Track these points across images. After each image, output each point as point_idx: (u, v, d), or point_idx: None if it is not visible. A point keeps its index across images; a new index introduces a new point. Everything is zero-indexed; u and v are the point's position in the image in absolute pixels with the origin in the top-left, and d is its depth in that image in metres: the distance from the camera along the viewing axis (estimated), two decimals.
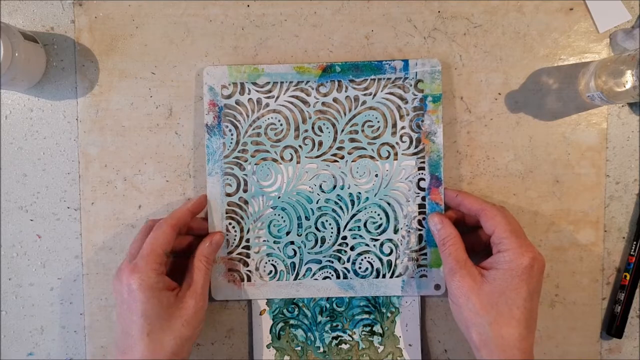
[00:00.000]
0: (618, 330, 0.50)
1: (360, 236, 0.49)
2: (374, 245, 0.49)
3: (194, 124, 0.50)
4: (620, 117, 0.50)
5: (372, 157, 0.49)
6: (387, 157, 0.49)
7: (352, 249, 0.49)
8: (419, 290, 0.49)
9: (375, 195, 0.49)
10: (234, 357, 0.51)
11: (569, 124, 0.49)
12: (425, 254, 0.49)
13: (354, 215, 0.49)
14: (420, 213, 0.49)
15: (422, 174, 0.48)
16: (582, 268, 0.50)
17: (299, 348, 0.50)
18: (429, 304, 0.51)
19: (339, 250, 0.49)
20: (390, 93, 0.48)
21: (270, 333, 0.50)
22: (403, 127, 0.49)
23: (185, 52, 0.49)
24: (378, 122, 0.48)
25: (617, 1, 0.49)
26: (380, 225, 0.49)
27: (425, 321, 0.51)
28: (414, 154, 0.49)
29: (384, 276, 0.49)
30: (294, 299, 0.50)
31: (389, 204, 0.49)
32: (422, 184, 0.49)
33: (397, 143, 0.49)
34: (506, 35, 0.49)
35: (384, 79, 0.48)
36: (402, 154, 0.49)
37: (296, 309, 0.50)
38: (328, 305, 0.50)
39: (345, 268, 0.49)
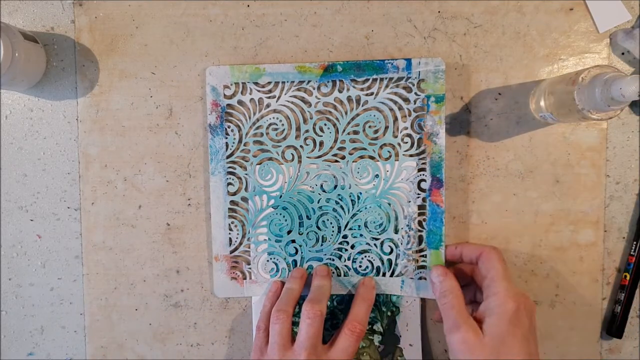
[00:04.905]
0: (618, 330, 0.50)
1: (361, 235, 0.49)
2: (375, 244, 0.49)
3: (194, 124, 0.50)
4: (620, 117, 0.50)
5: (372, 158, 0.49)
6: (388, 158, 0.49)
7: (352, 247, 0.49)
8: (417, 292, 0.49)
9: (376, 196, 0.49)
10: (234, 357, 0.51)
11: (569, 124, 0.49)
12: (424, 256, 0.49)
13: (354, 215, 0.49)
14: (420, 214, 0.49)
15: (423, 175, 0.48)
16: (582, 268, 0.50)
17: None
18: (429, 304, 0.51)
19: (339, 249, 0.49)
20: (393, 93, 0.48)
21: None
22: (405, 128, 0.48)
23: (185, 52, 0.49)
24: (379, 122, 0.48)
25: (617, 1, 0.49)
26: (380, 225, 0.49)
27: (426, 321, 0.51)
28: (415, 154, 0.49)
29: (384, 274, 0.49)
30: None
31: (389, 204, 0.49)
32: (423, 185, 0.48)
33: (398, 144, 0.48)
34: (506, 35, 0.49)
35: (386, 78, 0.48)
36: (403, 154, 0.49)
37: (297, 307, 0.50)
38: (329, 304, 0.50)
39: (346, 266, 0.49)
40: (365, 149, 0.49)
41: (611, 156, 0.50)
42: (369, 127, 0.49)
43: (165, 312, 0.51)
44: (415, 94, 0.48)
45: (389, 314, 0.50)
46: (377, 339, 0.50)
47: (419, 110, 0.48)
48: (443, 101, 0.47)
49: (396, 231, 0.49)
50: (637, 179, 0.50)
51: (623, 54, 0.49)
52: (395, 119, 0.48)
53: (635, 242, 0.50)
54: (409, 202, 0.49)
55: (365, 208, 0.49)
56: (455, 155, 0.50)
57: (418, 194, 0.49)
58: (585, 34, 0.49)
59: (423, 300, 0.50)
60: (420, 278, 0.49)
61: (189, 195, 0.50)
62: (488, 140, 0.50)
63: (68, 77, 0.50)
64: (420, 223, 0.49)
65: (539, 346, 0.49)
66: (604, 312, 0.51)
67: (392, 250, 0.49)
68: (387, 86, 0.48)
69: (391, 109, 0.48)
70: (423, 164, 0.48)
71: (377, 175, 0.49)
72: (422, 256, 0.49)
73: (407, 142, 0.48)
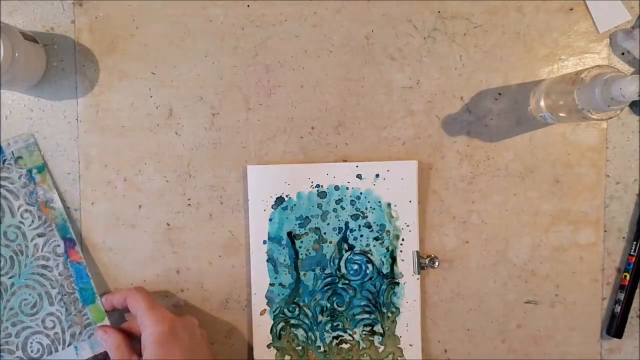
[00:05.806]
0: (618, 330, 0.50)
1: (18, 322, 0.48)
2: (36, 325, 0.48)
3: (194, 124, 0.50)
4: (620, 117, 0.50)
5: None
6: (15, 239, 0.48)
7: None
8: (92, 349, 0.48)
9: (19, 279, 0.48)
10: (234, 357, 0.51)
11: (569, 124, 0.49)
12: (86, 314, 0.48)
13: None
14: (67, 277, 0.48)
15: (55, 241, 0.48)
16: (582, 268, 0.50)
17: (300, 348, 0.50)
18: (429, 304, 0.51)
19: None
20: None
21: (270, 333, 0.50)
22: (20, 206, 0.49)
23: (185, 52, 0.49)
24: None
25: (617, 1, 0.49)
26: (34, 305, 0.48)
27: (426, 321, 0.51)
28: (40, 225, 0.49)
29: (56, 350, 0.48)
30: (295, 298, 0.50)
31: (39, 283, 0.48)
32: (59, 250, 0.48)
33: (20, 222, 0.48)
34: (506, 35, 0.49)
35: None
36: (29, 231, 0.48)
37: (297, 309, 0.50)
38: (329, 305, 0.50)
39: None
40: None
41: (611, 156, 0.50)
42: None
43: None
44: (17, 172, 0.49)
45: (389, 315, 0.50)
46: (377, 339, 0.50)
47: (27, 186, 0.49)
48: (45, 170, 0.49)
49: (51, 304, 0.48)
50: (637, 179, 0.50)
51: (623, 54, 0.49)
52: (8, 200, 0.49)
53: (635, 242, 0.50)
54: (52, 271, 0.48)
55: (14, 294, 0.48)
56: (455, 155, 0.50)
57: (57, 259, 0.48)
58: (585, 34, 0.49)
59: (423, 300, 0.50)
60: (90, 336, 0.48)
61: (189, 195, 0.50)
62: (488, 140, 0.50)
63: (68, 77, 0.49)
64: (69, 285, 0.49)
65: (539, 346, 0.49)
66: (604, 312, 0.51)
67: (55, 325, 0.48)
68: None
69: (2, 195, 0.48)
70: (51, 231, 0.49)
71: (12, 259, 0.48)
72: (84, 315, 0.48)
73: (28, 218, 0.48)
